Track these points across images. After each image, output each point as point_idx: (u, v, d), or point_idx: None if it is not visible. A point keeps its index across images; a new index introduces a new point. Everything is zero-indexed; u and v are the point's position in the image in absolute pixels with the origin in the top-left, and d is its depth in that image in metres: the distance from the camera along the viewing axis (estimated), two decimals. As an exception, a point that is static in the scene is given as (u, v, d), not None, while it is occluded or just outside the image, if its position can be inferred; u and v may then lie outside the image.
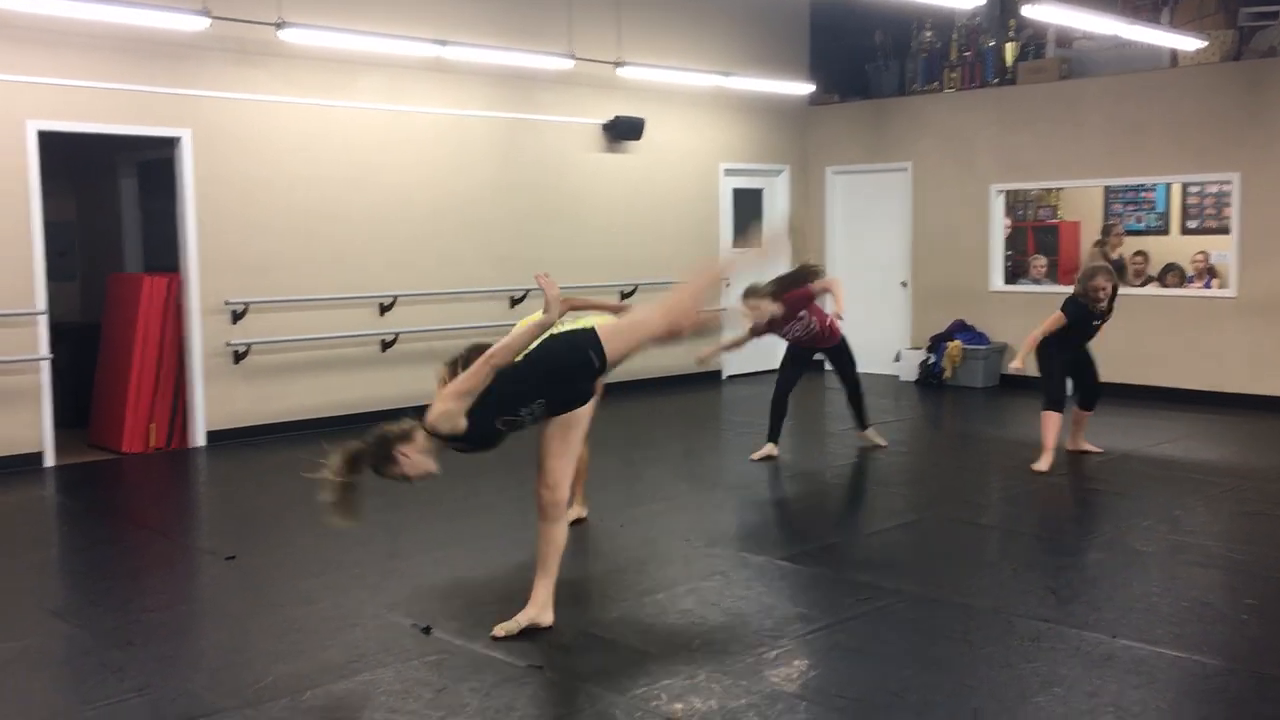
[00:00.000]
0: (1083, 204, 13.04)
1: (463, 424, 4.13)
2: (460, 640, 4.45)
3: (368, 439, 4.23)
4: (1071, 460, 7.71)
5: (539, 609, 4.53)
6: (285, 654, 4.36)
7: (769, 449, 7.89)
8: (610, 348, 4.42)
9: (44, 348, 7.89)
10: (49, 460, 7.94)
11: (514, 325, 6.25)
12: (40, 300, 7.86)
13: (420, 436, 4.18)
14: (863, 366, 12.40)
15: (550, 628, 4.52)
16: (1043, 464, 7.34)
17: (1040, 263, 11.99)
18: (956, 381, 11.34)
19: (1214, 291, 10.50)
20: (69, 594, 5.39)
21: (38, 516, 6.90)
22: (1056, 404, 7.45)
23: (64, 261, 9.81)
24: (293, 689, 4.00)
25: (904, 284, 12.16)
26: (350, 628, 4.62)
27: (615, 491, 6.85)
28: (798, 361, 8.12)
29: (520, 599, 4.96)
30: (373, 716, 3.78)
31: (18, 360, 7.77)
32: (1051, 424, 7.42)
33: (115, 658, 4.37)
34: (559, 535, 4.51)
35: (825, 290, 7.88)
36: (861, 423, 8.25)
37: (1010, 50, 11.36)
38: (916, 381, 11.63)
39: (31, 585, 5.41)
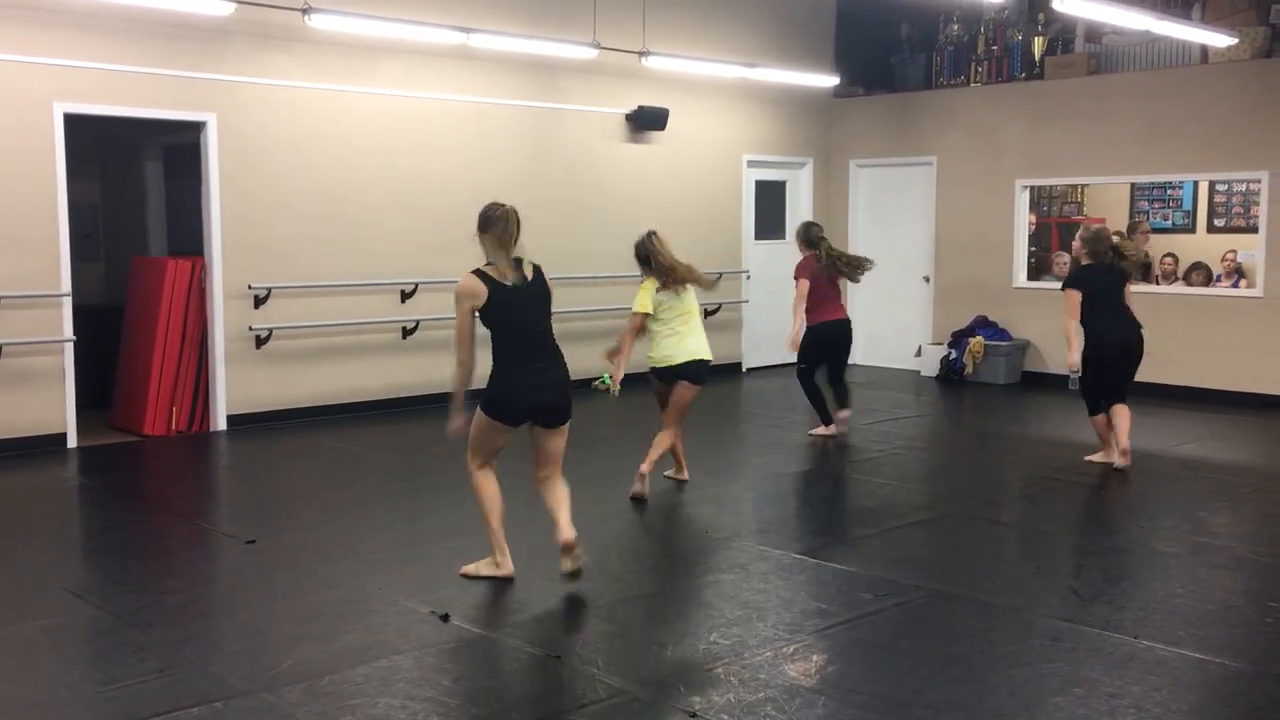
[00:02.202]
0: (1108, 201, 12.93)
1: None
2: (478, 628, 4.45)
3: None
4: (1092, 460, 7.64)
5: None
6: (304, 638, 4.38)
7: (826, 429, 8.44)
8: None
9: (68, 329, 7.93)
10: (71, 441, 7.99)
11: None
12: (65, 282, 7.90)
13: None
14: (883, 361, 12.49)
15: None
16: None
17: (1064, 259, 11.90)
18: (978, 378, 11.29)
19: (1241, 291, 10.41)
20: (90, 575, 5.42)
21: (59, 497, 6.95)
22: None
23: (89, 244, 9.85)
24: (311, 674, 4.01)
25: (926, 279, 12.10)
26: (369, 614, 4.63)
27: (634, 482, 6.83)
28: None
29: (538, 586, 4.97)
30: (390, 703, 3.78)
31: (42, 342, 7.81)
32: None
33: (135, 639, 4.39)
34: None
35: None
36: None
37: (1038, 44, 11.28)
38: (937, 377, 11.58)
39: (53, 565, 5.44)
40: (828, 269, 8.25)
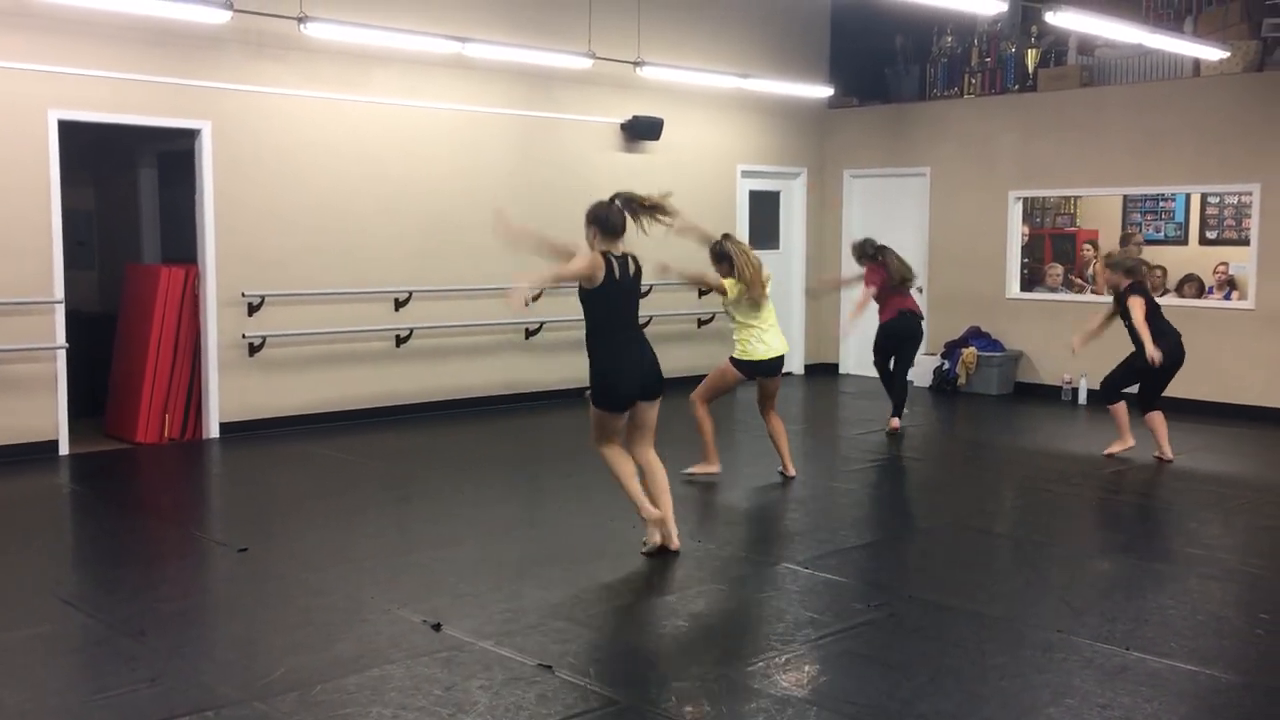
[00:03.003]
0: (1101, 212, 12.98)
1: None
2: (470, 638, 4.45)
3: None
4: (1087, 470, 7.67)
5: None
6: (296, 647, 4.37)
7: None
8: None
9: (61, 336, 7.93)
10: (64, 449, 7.98)
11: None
12: (58, 289, 7.89)
13: None
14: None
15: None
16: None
17: (1056, 271, 11.95)
18: (971, 388, 11.31)
19: (1232, 303, 10.44)
20: (82, 582, 5.40)
21: (52, 505, 6.93)
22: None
23: (82, 251, 9.85)
24: (302, 683, 4.01)
25: (920, 289, 12.09)
26: (361, 622, 4.63)
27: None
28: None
29: (530, 596, 4.97)
30: (381, 712, 3.78)
31: (35, 348, 7.80)
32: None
33: (127, 647, 4.38)
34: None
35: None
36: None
37: (1032, 56, 11.32)
38: (930, 388, 11.59)
39: (45, 573, 5.43)
40: (895, 285, 9.08)
